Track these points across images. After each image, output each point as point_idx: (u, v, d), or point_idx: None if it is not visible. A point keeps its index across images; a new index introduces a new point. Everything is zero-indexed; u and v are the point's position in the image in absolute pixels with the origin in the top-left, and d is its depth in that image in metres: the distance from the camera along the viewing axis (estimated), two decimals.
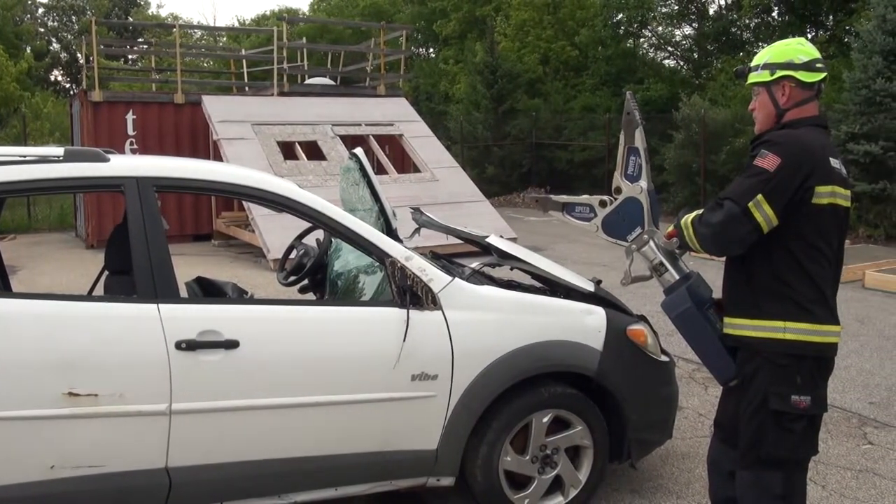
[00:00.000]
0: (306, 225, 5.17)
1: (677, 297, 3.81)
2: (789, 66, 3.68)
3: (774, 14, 27.11)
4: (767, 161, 3.51)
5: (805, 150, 3.58)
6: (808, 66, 3.69)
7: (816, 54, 3.74)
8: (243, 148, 15.94)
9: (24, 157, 4.28)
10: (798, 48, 3.72)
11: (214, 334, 4.02)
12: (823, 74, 3.73)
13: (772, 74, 3.70)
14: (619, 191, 4.08)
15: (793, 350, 3.59)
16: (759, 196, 3.47)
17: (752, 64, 3.79)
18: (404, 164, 18.45)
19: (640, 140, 4.02)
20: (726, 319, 3.79)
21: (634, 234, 3.91)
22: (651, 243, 3.91)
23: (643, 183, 3.98)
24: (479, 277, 5.10)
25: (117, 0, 53.08)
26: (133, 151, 17.00)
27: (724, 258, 3.85)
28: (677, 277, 3.88)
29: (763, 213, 3.48)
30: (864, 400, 7.14)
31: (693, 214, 3.67)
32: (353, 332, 4.35)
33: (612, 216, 4.03)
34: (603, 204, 4.10)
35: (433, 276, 4.48)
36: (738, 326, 3.72)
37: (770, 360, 3.61)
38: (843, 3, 23.56)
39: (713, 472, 4.13)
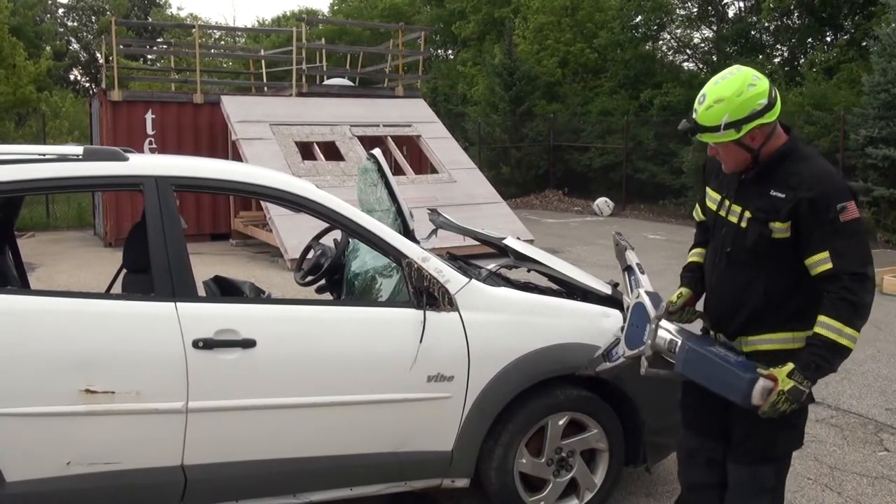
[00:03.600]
0: (324, 225, 5.18)
1: (677, 356, 3.80)
2: (753, 117, 3.52)
3: (794, 17, 26.99)
4: (853, 211, 3.48)
5: (842, 178, 3.67)
6: (770, 105, 3.56)
7: (767, 83, 3.59)
8: (262, 148, 15.98)
9: (44, 155, 4.31)
10: (753, 92, 3.52)
11: (231, 333, 4.04)
12: (779, 100, 3.65)
13: (738, 132, 3.54)
14: (628, 308, 4.11)
15: None
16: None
17: (706, 121, 3.55)
18: (422, 165, 18.48)
19: (632, 259, 4.19)
20: (754, 337, 3.76)
21: (647, 331, 3.93)
22: (660, 330, 3.87)
23: (641, 289, 4.01)
24: (495, 279, 5.11)
25: (137, 0, 53.23)
26: (152, 151, 17.07)
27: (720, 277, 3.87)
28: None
29: None
30: (880, 406, 7.10)
31: (839, 324, 3.46)
32: (370, 333, 4.36)
33: (629, 330, 4.03)
34: (622, 329, 4.11)
35: (450, 277, 4.48)
36: (761, 342, 3.73)
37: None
38: (863, 6, 23.45)
39: (690, 462, 4.13)
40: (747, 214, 3.69)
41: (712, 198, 3.93)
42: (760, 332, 3.72)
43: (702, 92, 3.63)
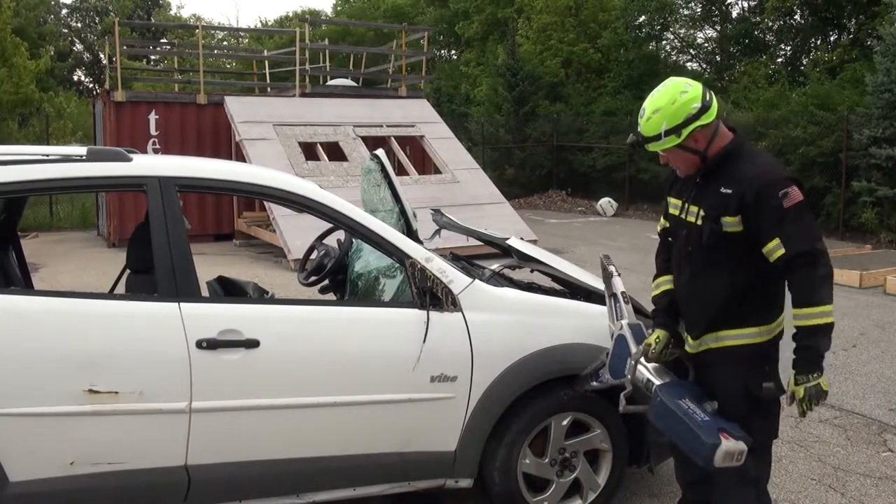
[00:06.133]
0: (327, 225, 5.18)
1: (650, 401, 3.93)
2: (689, 120, 3.73)
3: (797, 17, 26.99)
4: (794, 195, 3.66)
5: (783, 168, 3.91)
6: (705, 107, 3.76)
7: (700, 89, 3.80)
8: (265, 148, 16.00)
9: (48, 156, 4.31)
10: (685, 98, 3.74)
11: (235, 333, 4.04)
12: (716, 102, 3.84)
13: (679, 136, 3.75)
14: (613, 336, 4.25)
15: (769, 346, 3.90)
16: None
17: (648, 132, 3.80)
18: (425, 165, 18.47)
19: (618, 286, 4.24)
20: (724, 332, 3.92)
21: (628, 366, 4.06)
22: (639, 366, 4.03)
23: (624, 321, 4.15)
24: (499, 279, 5.10)
25: (140, 1, 53.29)
26: (155, 151, 17.07)
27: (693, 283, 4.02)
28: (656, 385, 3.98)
29: None
30: (884, 406, 7.10)
31: (807, 309, 3.62)
32: (373, 333, 4.36)
33: (612, 359, 4.20)
34: (607, 355, 4.26)
35: (453, 277, 4.48)
36: (730, 338, 3.90)
37: (751, 358, 3.87)
38: (866, 6, 23.43)
39: (684, 458, 4.21)
40: (702, 213, 3.89)
41: (674, 204, 4.14)
42: (730, 328, 3.89)
43: (642, 106, 3.87)
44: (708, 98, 3.78)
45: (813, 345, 3.63)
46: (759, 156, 3.90)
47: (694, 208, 3.95)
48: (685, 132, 3.74)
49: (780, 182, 3.67)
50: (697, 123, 3.74)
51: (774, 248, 3.66)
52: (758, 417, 3.88)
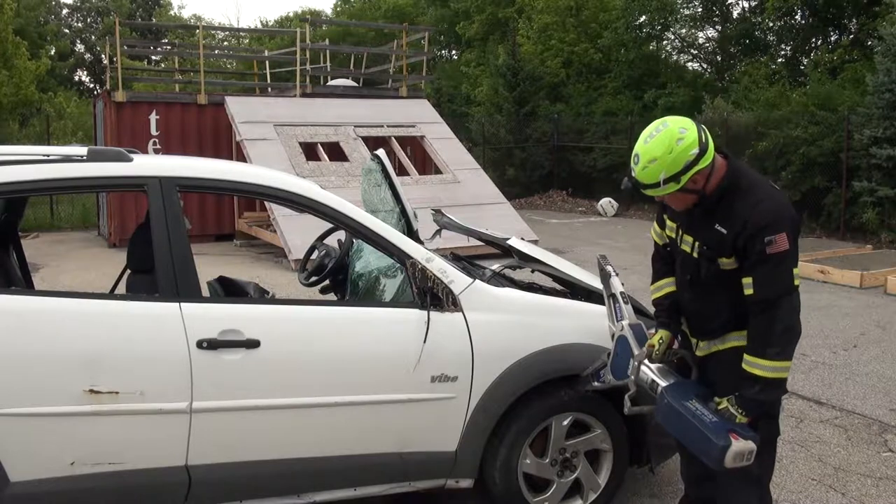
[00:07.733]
0: (328, 225, 5.18)
1: (657, 402, 3.94)
2: (689, 167, 3.66)
3: (797, 17, 26.96)
4: (780, 243, 3.65)
5: (786, 203, 3.83)
6: (703, 151, 3.68)
7: (695, 131, 3.70)
8: (266, 149, 16.00)
9: (48, 156, 4.31)
10: (682, 146, 3.64)
11: (235, 333, 4.04)
12: (711, 141, 3.76)
13: (678, 183, 3.69)
14: (614, 336, 4.26)
15: None
16: (796, 270, 3.71)
17: (645, 180, 3.73)
18: (426, 165, 18.47)
19: (616, 286, 4.22)
20: (730, 334, 3.96)
21: (630, 367, 4.08)
22: (642, 367, 4.05)
23: (625, 321, 4.14)
24: (499, 279, 5.10)
25: (140, 1, 53.31)
26: (156, 152, 17.07)
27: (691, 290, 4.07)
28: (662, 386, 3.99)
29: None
30: (885, 406, 7.09)
31: (752, 357, 3.72)
32: (374, 333, 4.36)
33: (614, 360, 4.21)
34: (608, 356, 4.27)
35: (454, 277, 4.48)
36: (735, 339, 3.92)
37: None
38: (867, 6, 23.41)
39: (690, 455, 4.25)
40: (697, 245, 3.91)
41: (670, 227, 4.17)
42: (735, 330, 3.92)
43: (635, 152, 3.81)
44: (704, 139, 3.69)
45: (750, 395, 3.72)
46: (754, 189, 3.80)
47: (689, 238, 3.97)
48: (685, 178, 3.68)
49: (771, 227, 3.64)
50: (696, 168, 3.67)
51: (747, 285, 3.72)
52: (763, 417, 3.87)
